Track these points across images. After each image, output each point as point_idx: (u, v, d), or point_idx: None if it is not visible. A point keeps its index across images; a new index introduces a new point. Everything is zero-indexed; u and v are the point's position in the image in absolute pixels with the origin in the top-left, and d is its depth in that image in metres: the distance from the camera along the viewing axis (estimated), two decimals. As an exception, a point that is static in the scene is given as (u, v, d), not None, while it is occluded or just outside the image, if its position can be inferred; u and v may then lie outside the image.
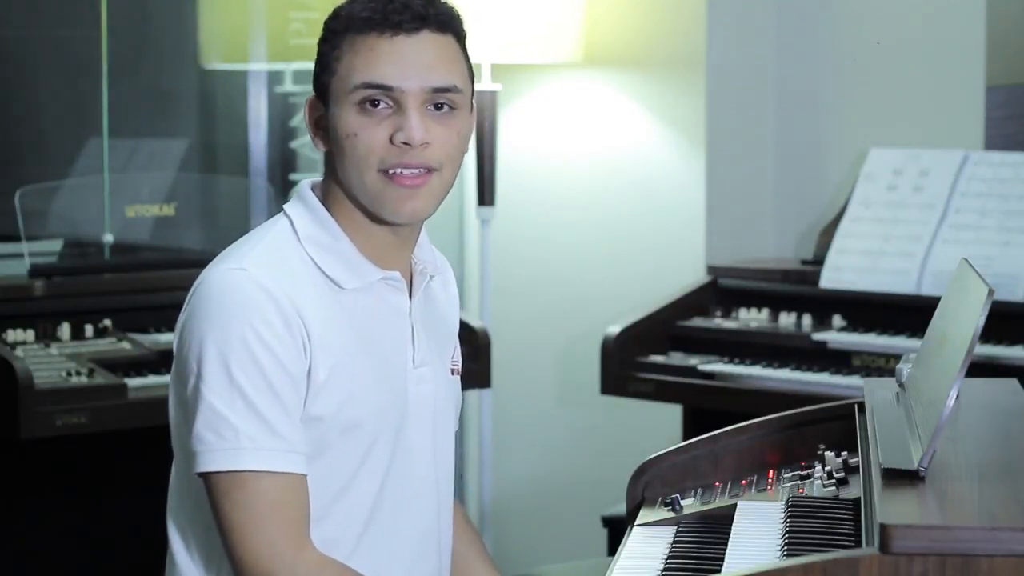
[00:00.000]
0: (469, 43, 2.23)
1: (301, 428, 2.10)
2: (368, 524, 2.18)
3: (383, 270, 2.19)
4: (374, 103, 2.13)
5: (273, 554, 2.06)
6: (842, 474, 2.35)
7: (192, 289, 2.15)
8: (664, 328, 4.30)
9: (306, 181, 2.24)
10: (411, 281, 2.25)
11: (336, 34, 2.16)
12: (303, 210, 2.19)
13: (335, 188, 2.19)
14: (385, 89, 2.12)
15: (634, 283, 4.63)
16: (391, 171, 2.13)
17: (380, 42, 2.13)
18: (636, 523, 2.40)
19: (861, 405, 2.52)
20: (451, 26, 2.18)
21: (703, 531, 2.32)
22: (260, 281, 2.09)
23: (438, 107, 2.15)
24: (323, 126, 2.18)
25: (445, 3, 2.19)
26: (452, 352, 2.34)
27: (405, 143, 2.11)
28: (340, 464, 2.15)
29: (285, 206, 2.22)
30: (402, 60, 2.12)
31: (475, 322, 4.28)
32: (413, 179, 2.13)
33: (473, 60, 2.24)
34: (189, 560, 2.18)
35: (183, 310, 2.15)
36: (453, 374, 2.33)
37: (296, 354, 2.09)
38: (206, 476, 2.09)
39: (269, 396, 2.07)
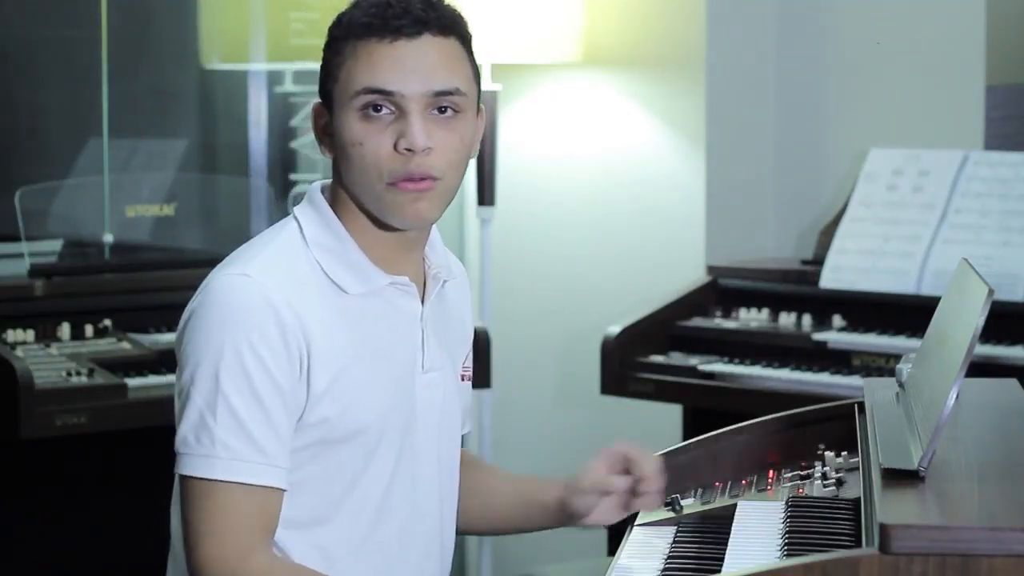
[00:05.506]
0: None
1: (287, 442, 2.09)
2: (374, 527, 2.18)
3: (391, 275, 2.18)
4: (376, 108, 2.11)
5: (220, 564, 2.06)
6: (842, 474, 2.36)
7: (197, 292, 2.14)
8: (664, 328, 4.30)
9: (317, 183, 2.22)
10: (424, 285, 2.24)
11: (338, 40, 2.15)
12: (312, 214, 2.18)
13: (342, 192, 2.18)
14: (386, 94, 2.10)
15: (634, 283, 4.63)
16: (395, 181, 2.12)
17: (380, 47, 2.11)
18: (636, 523, 2.40)
19: (861, 405, 2.52)
20: (454, 28, 2.15)
21: (703, 531, 2.32)
22: (262, 288, 2.08)
23: (441, 110, 2.13)
24: (329, 132, 2.17)
25: (448, 5, 2.16)
26: (464, 358, 2.33)
27: (408, 149, 2.10)
28: (344, 467, 2.15)
29: (295, 208, 2.20)
30: (403, 64, 2.10)
31: (475, 322, 4.27)
32: (416, 184, 2.12)
33: (473, 60, 2.24)
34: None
35: (186, 310, 2.14)
36: (464, 380, 2.31)
37: (290, 367, 2.08)
38: (182, 478, 2.09)
39: (254, 407, 2.06)
